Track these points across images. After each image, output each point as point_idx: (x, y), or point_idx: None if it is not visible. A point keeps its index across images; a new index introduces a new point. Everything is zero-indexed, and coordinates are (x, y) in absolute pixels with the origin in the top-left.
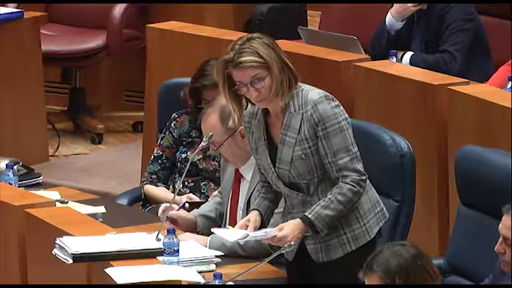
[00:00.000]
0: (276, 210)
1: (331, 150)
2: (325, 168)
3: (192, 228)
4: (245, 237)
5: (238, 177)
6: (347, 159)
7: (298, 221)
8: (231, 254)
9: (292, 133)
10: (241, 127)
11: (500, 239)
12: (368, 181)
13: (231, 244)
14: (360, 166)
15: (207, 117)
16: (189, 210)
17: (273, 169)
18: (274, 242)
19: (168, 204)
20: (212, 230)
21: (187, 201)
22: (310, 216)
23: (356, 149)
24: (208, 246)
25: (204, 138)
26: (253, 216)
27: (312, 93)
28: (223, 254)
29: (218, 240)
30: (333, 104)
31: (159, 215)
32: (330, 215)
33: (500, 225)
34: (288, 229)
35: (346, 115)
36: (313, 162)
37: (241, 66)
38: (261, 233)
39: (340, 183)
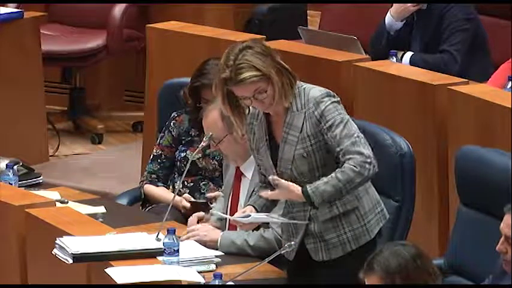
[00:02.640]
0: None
1: (335, 140)
2: (329, 166)
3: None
4: (247, 216)
5: (238, 175)
6: (348, 143)
7: (299, 189)
8: (240, 253)
9: (294, 131)
10: None
11: (502, 239)
12: (369, 181)
13: (240, 243)
14: (363, 149)
15: (208, 113)
16: (190, 209)
17: (274, 169)
18: (265, 195)
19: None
20: (211, 211)
21: (188, 201)
22: (309, 188)
23: (361, 135)
24: (219, 243)
25: (204, 138)
26: (249, 209)
27: (314, 91)
28: (223, 253)
29: (229, 239)
30: (334, 100)
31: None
32: (328, 190)
33: (502, 224)
34: (284, 190)
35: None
36: (315, 160)
37: (243, 83)
38: (263, 216)
39: (344, 164)
